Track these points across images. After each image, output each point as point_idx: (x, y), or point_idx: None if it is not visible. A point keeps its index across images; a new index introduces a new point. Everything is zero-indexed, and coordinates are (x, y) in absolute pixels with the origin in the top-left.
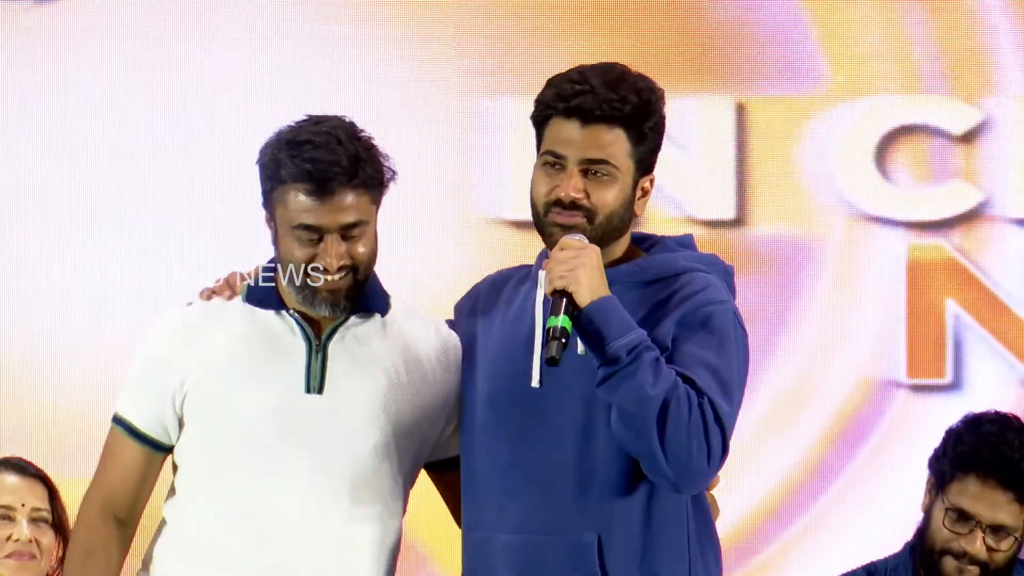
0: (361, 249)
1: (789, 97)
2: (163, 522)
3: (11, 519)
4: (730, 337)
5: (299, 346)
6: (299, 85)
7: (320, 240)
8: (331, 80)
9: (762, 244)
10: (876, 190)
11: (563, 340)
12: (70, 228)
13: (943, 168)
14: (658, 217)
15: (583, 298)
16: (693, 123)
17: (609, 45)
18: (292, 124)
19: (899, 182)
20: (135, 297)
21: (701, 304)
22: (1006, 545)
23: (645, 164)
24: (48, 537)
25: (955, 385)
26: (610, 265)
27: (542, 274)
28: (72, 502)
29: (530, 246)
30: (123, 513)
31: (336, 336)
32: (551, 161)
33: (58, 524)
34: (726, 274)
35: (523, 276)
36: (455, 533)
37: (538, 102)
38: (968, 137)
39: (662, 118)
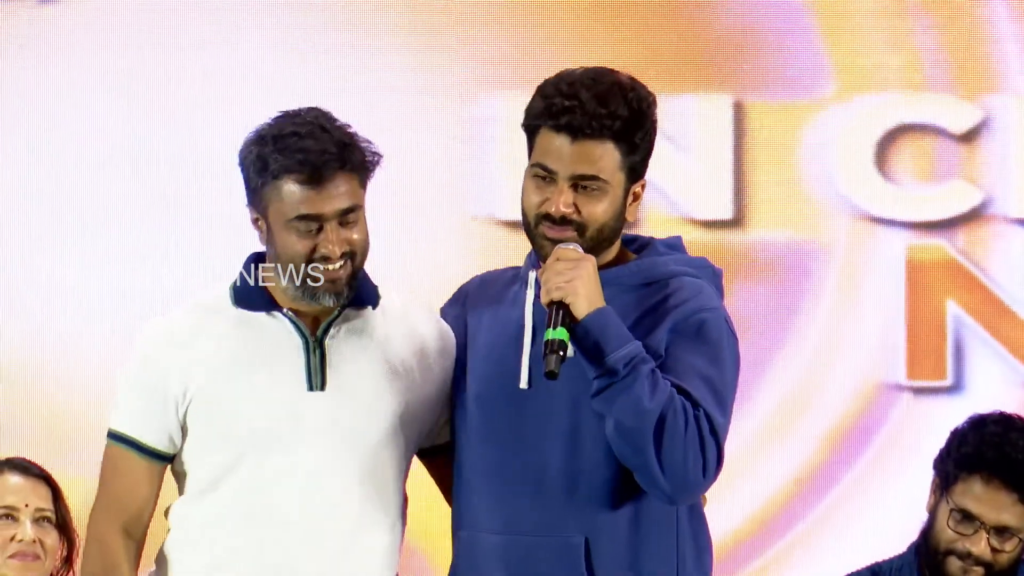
0: (357, 236)
1: (787, 96)
2: (170, 526)
3: (15, 519)
4: (723, 346)
5: (296, 344)
6: (293, 88)
7: (319, 230)
8: (324, 82)
9: (760, 244)
10: (875, 189)
11: (562, 353)
12: (69, 227)
13: (944, 167)
14: (656, 217)
15: (580, 310)
16: (691, 122)
17: (606, 44)
18: (269, 121)
19: (899, 181)
20: (134, 296)
21: (693, 311)
22: (1010, 546)
23: (636, 172)
24: (52, 537)
25: (956, 387)
26: (600, 268)
27: (532, 275)
28: (74, 501)
29: (524, 246)
30: (136, 529)
31: (331, 332)
32: (541, 174)
33: (62, 524)
34: (715, 276)
35: (512, 277)
36: (446, 531)
37: (527, 111)
38: (969, 136)
39: (654, 124)
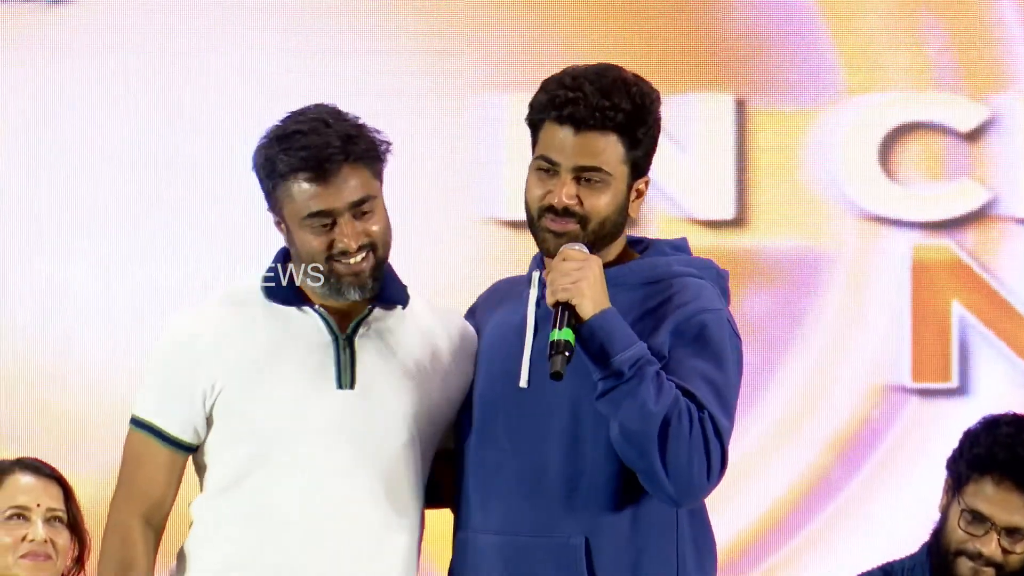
0: (375, 226)
1: (790, 94)
2: (193, 521)
3: (26, 519)
4: (725, 347)
5: (326, 341)
6: (300, 91)
7: (333, 225)
8: (330, 85)
9: (763, 245)
10: (880, 189)
11: (567, 354)
12: (76, 226)
13: (949, 166)
14: (657, 217)
15: (586, 310)
16: (692, 121)
17: (607, 42)
18: (278, 122)
19: (904, 181)
20: (142, 295)
21: (695, 312)
22: (1021, 547)
23: (639, 167)
24: (63, 537)
25: (961, 390)
26: (603, 267)
27: (536, 275)
28: (84, 500)
29: (524, 246)
30: (156, 518)
31: (361, 330)
32: (544, 167)
33: (73, 524)
34: (720, 278)
35: (524, 281)
36: (442, 533)
37: (532, 106)
38: (975, 135)
39: (657, 121)
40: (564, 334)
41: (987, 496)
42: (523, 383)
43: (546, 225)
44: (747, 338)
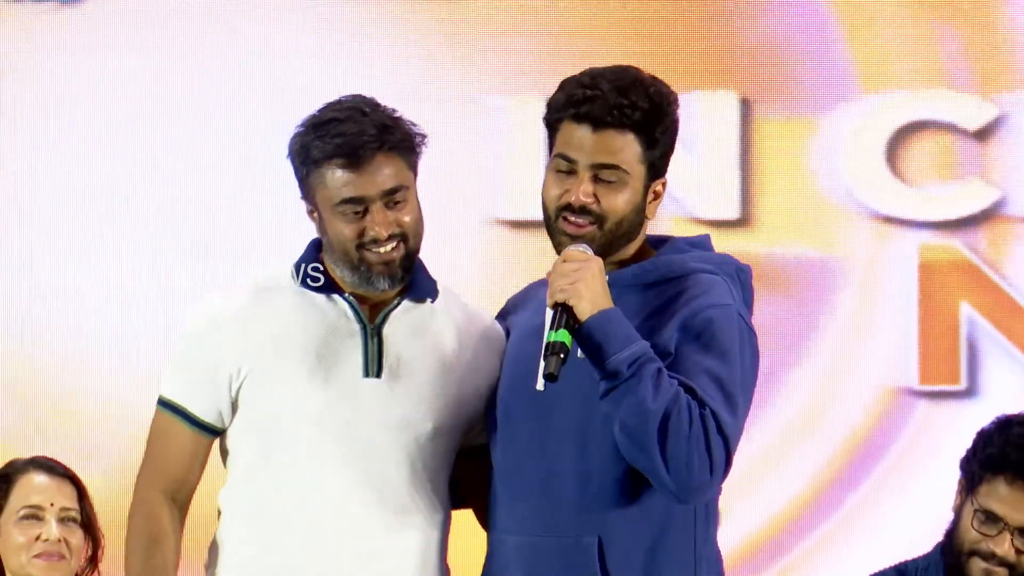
0: (407, 216)
1: (796, 93)
2: (220, 510)
3: (40, 519)
4: (733, 342)
5: (354, 330)
6: (307, 89)
7: (365, 213)
8: (336, 82)
9: (769, 245)
10: (887, 188)
11: (562, 355)
12: (89, 225)
13: (957, 166)
14: (659, 216)
15: (583, 311)
16: (697, 119)
17: (611, 42)
18: (315, 111)
19: (911, 180)
20: (154, 295)
21: (702, 308)
22: None
23: (656, 168)
24: (77, 537)
25: (970, 392)
26: (619, 266)
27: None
28: (98, 500)
29: (527, 247)
30: (181, 495)
31: (389, 320)
32: (562, 166)
33: (87, 524)
34: (740, 273)
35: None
36: (465, 538)
37: (549, 105)
38: (983, 133)
39: (675, 122)
40: (560, 335)
41: (1000, 496)
42: (539, 386)
43: (562, 228)
44: None
